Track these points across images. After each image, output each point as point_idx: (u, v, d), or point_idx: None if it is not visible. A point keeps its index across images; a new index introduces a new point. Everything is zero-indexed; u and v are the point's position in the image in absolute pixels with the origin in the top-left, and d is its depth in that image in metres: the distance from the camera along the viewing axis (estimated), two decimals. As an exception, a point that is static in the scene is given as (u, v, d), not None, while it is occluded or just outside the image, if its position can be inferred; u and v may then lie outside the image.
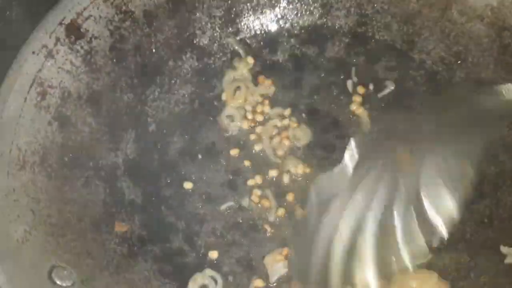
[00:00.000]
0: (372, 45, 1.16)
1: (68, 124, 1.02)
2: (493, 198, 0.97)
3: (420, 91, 1.11)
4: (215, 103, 1.15)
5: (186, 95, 1.16)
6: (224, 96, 1.14)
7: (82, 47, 1.05)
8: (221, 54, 1.19)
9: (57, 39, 1.02)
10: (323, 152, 1.08)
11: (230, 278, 0.99)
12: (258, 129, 1.12)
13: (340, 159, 1.04)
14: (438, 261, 0.95)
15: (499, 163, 0.99)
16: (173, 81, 1.16)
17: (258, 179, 1.07)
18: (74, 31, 1.04)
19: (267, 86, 1.15)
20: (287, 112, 1.12)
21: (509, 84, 0.81)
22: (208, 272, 0.98)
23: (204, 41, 1.18)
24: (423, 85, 1.11)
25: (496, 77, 1.03)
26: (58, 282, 0.87)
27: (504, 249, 0.90)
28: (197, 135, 1.12)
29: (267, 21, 1.19)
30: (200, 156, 1.10)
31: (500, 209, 0.96)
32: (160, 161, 1.10)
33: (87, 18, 1.05)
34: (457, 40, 1.08)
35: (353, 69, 1.15)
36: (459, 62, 1.09)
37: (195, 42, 1.17)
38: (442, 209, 0.75)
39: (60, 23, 1.02)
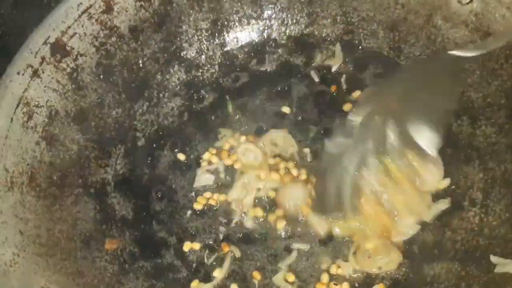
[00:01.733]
0: (359, 52, 1.16)
1: (56, 142, 1.02)
2: (483, 205, 0.97)
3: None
4: (205, 115, 1.15)
5: (175, 108, 1.16)
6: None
7: (68, 65, 1.04)
8: (209, 66, 1.19)
9: (43, 58, 1.01)
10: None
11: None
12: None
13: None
14: (429, 270, 0.95)
15: (488, 170, 0.99)
16: (161, 95, 1.16)
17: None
18: (59, 49, 1.03)
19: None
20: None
21: None
22: (202, 287, 0.98)
23: (192, 53, 1.18)
24: (411, 92, 1.11)
25: (482, 82, 1.02)
26: (47, 305, 0.87)
27: (494, 258, 0.89)
28: (187, 149, 1.12)
29: (253, 32, 1.20)
30: (190, 169, 1.10)
31: (490, 217, 0.95)
32: (150, 175, 1.10)
33: (72, 36, 1.04)
34: (443, 46, 1.08)
35: (344, 76, 1.14)
36: (445, 68, 1.08)
37: (182, 55, 1.17)
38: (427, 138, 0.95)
39: (45, 42, 1.02)
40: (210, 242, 1.03)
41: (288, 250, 1.00)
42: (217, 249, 1.02)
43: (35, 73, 1.00)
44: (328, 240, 1.00)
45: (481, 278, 0.90)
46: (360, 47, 1.16)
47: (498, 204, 0.95)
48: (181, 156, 1.11)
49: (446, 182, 1.01)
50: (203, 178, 1.09)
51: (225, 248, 1.01)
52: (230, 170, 1.09)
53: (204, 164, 1.10)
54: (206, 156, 1.11)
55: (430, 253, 0.96)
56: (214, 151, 1.11)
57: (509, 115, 0.99)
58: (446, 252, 0.95)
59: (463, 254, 0.94)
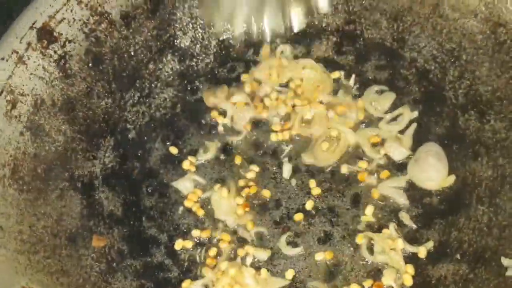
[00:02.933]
0: (361, 43, 1.12)
1: (41, 133, 0.98)
2: (491, 204, 0.93)
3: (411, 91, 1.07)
4: (199, 107, 1.11)
5: (168, 99, 1.12)
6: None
7: (55, 52, 1.00)
8: (203, 55, 1.15)
9: (28, 44, 0.97)
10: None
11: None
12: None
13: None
14: (435, 272, 0.91)
15: (497, 167, 0.95)
16: (153, 85, 1.12)
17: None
18: (46, 35, 0.99)
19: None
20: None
21: None
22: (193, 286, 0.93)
23: (186, 42, 1.14)
24: (415, 84, 1.07)
25: (491, 75, 0.99)
26: (28, 306, 0.82)
27: (505, 261, 0.85)
28: (179, 142, 1.08)
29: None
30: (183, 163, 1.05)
31: (500, 216, 0.91)
32: (141, 169, 1.06)
33: (60, 21, 1.00)
34: (449, 37, 1.04)
35: (342, 73, 1.10)
36: (452, 60, 1.05)
37: (176, 43, 1.13)
38: None
39: (31, 27, 0.98)
40: (204, 240, 0.98)
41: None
42: (211, 246, 0.97)
43: (20, 60, 0.97)
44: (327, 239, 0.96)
45: (491, 281, 0.86)
46: (362, 38, 1.13)
47: (509, 203, 0.91)
48: (174, 150, 1.07)
49: (451, 179, 0.97)
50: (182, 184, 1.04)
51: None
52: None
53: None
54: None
55: (436, 254, 0.92)
56: (193, 160, 1.05)
57: (520, 109, 0.96)
58: (452, 253, 0.92)
59: (471, 255, 0.90)
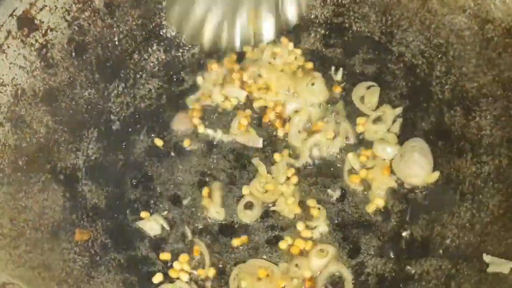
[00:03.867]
0: (349, 36, 1.11)
1: (22, 124, 0.96)
2: (475, 201, 0.93)
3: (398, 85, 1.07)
4: (184, 98, 1.09)
5: (153, 90, 1.10)
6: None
7: (36, 40, 0.98)
8: (190, 46, 1.13)
9: (8, 32, 0.95)
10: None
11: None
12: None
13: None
14: (417, 267, 0.92)
15: (481, 164, 0.96)
16: (138, 76, 1.10)
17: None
18: (27, 23, 0.97)
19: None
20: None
21: None
22: (179, 283, 0.93)
23: (172, 32, 1.12)
24: (402, 79, 1.07)
25: (478, 72, 0.99)
26: (8, 302, 0.81)
27: (487, 258, 0.86)
28: (164, 133, 1.07)
29: (238, 11, 1.14)
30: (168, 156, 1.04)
31: (482, 213, 0.92)
32: (125, 161, 1.04)
33: (41, 9, 0.98)
34: (437, 32, 1.04)
35: (332, 68, 1.09)
36: (439, 55, 1.04)
37: (161, 33, 1.11)
38: None
39: (11, 15, 0.95)
40: (188, 232, 0.98)
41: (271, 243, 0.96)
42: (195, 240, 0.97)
43: (0, 48, 0.94)
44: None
45: (472, 277, 0.87)
46: (350, 31, 1.12)
47: (491, 200, 0.92)
48: (159, 142, 1.06)
49: (436, 175, 0.97)
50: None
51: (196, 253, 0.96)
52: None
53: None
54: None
55: (418, 249, 0.93)
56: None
57: (506, 107, 0.96)
58: (435, 248, 0.92)
59: (453, 251, 0.91)
